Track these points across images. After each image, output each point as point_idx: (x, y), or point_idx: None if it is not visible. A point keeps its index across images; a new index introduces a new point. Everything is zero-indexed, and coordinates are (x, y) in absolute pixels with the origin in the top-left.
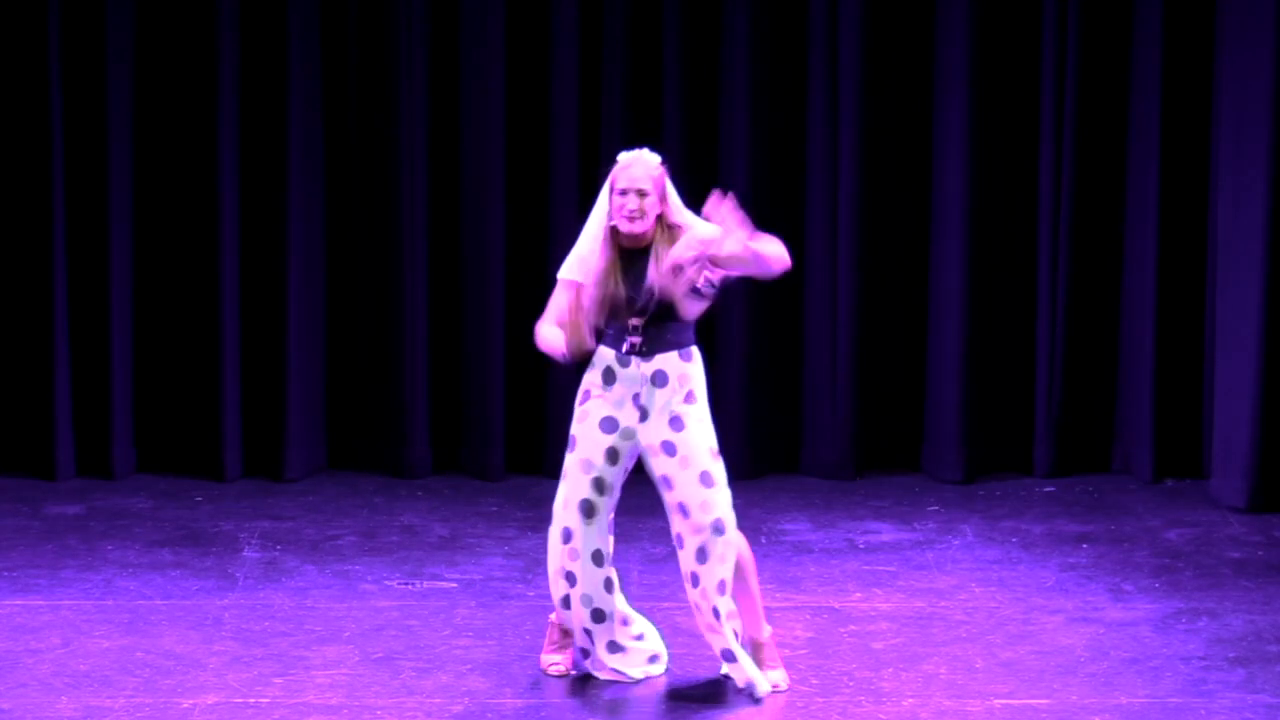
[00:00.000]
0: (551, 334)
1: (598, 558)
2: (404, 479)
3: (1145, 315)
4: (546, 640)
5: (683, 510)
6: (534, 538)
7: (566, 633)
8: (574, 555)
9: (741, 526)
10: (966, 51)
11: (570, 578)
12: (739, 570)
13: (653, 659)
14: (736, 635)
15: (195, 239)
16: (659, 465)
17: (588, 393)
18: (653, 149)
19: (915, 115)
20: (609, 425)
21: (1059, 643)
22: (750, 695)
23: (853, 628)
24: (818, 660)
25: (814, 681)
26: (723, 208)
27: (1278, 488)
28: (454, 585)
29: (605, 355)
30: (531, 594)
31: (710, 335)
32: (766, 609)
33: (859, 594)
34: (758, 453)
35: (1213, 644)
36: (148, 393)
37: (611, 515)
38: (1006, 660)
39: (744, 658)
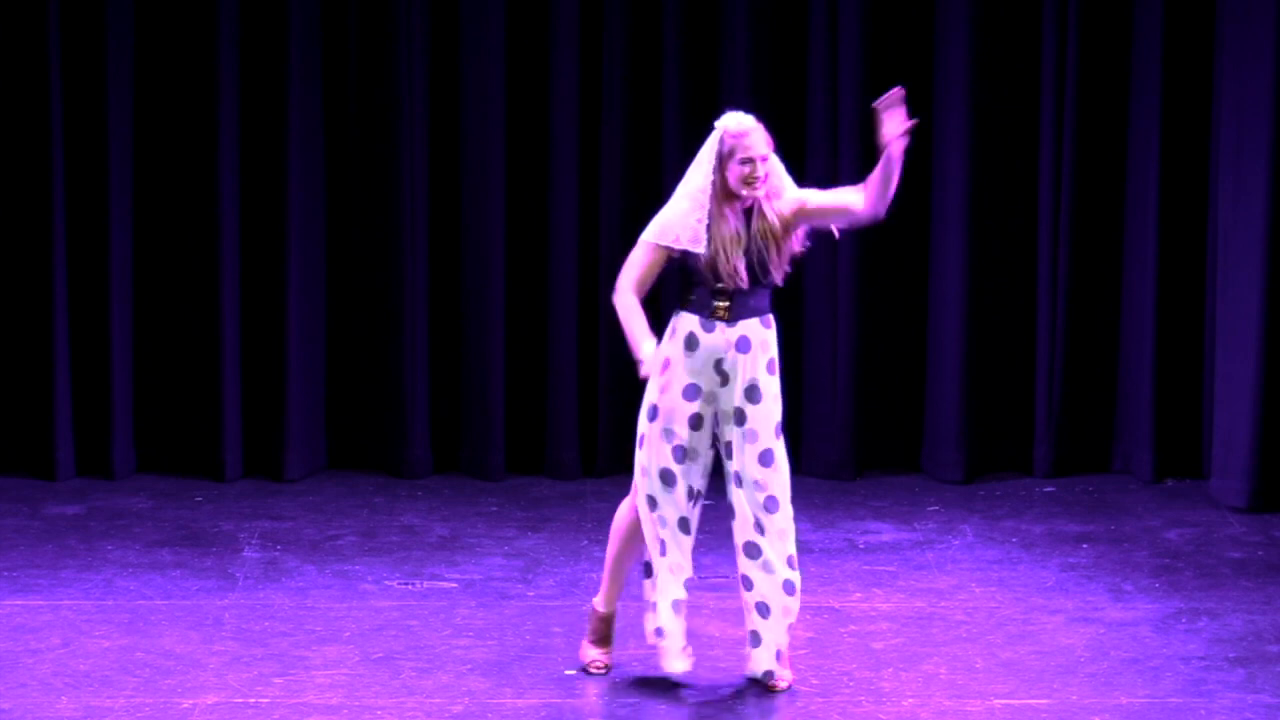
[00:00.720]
0: (641, 335)
1: (684, 525)
2: (404, 479)
3: (1145, 315)
4: (589, 631)
5: (738, 479)
6: (534, 537)
7: (606, 621)
8: (662, 522)
9: None
10: (966, 51)
11: (662, 546)
12: None
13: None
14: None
15: (195, 239)
16: (726, 431)
17: (668, 362)
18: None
19: (915, 115)
20: (692, 392)
21: (1059, 643)
22: (767, 683)
23: (853, 628)
24: (818, 660)
25: (814, 681)
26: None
27: (1278, 488)
28: (454, 585)
29: (688, 322)
30: (531, 594)
31: None
32: None
33: (859, 594)
34: None
35: (1213, 644)
36: (148, 393)
37: (703, 482)
38: (1006, 660)
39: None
